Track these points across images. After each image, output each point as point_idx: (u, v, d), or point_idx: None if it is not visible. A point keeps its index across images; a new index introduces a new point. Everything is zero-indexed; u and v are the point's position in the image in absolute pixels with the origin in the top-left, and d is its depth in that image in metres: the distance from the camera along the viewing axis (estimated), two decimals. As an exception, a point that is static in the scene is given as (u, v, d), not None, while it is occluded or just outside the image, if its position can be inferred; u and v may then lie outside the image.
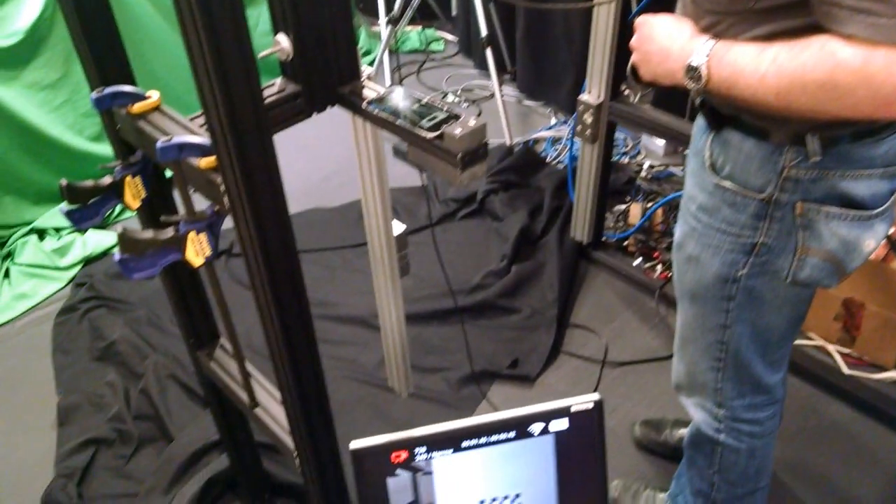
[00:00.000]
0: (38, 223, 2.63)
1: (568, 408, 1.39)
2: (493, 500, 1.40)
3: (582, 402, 1.40)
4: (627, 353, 2.10)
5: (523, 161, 2.76)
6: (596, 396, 1.40)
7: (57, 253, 2.53)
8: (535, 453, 1.40)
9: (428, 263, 2.42)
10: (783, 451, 1.45)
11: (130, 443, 1.89)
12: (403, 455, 1.36)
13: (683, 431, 1.77)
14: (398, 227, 1.36)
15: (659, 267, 2.30)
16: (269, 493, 1.73)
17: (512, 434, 1.38)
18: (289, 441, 1.20)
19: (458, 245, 2.48)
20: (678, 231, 1.25)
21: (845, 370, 1.97)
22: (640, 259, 2.34)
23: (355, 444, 1.34)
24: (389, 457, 1.35)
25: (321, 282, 2.38)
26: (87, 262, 2.53)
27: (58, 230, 2.62)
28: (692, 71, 0.99)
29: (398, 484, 1.36)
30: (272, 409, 1.27)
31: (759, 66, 0.91)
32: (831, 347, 2.03)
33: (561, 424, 1.40)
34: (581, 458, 1.42)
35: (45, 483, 1.81)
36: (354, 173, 1.28)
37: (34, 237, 2.59)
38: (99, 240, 2.59)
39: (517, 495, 1.42)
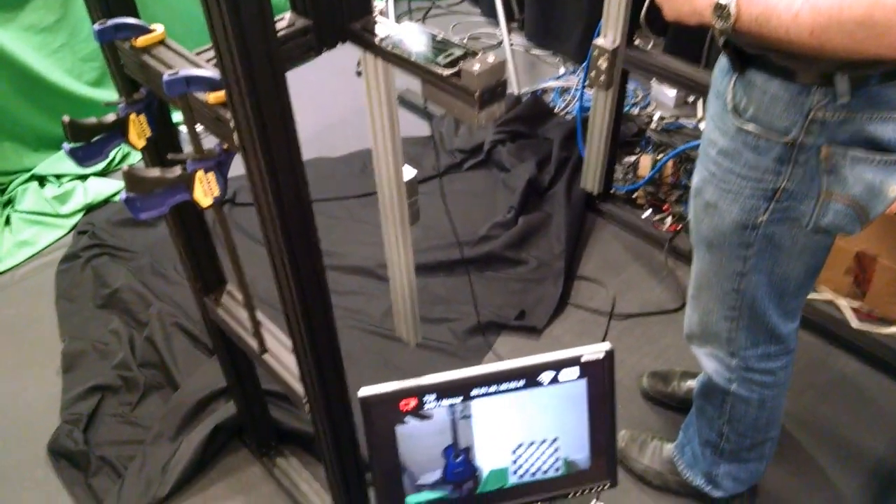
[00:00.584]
0: (39, 170, 2.59)
1: (578, 357, 1.38)
2: (520, 445, 1.39)
3: (593, 351, 1.39)
4: (635, 305, 2.09)
5: (531, 111, 2.71)
6: (607, 346, 1.38)
7: (58, 200, 2.50)
8: (541, 403, 1.39)
9: (434, 214, 2.39)
10: (791, 405, 1.44)
11: (136, 390, 1.89)
12: (412, 402, 1.35)
13: (691, 383, 1.76)
14: (409, 173, 1.33)
15: (668, 219, 2.27)
16: (276, 440, 1.73)
17: (521, 383, 1.37)
18: (299, 388, 1.19)
19: (465, 196, 2.45)
20: (696, 177, 1.22)
21: (855, 324, 1.96)
22: (649, 211, 2.31)
23: (364, 392, 1.33)
24: (398, 404, 1.34)
25: (326, 232, 2.35)
26: (89, 209, 2.50)
27: (58, 177, 2.58)
28: (721, 9, 0.95)
29: (407, 431, 1.35)
30: (282, 357, 1.25)
31: (792, 3, 0.87)
32: (841, 301, 2.02)
33: (571, 374, 1.39)
34: (590, 408, 1.42)
35: (51, 429, 1.81)
36: (358, 122, 1.24)
37: (34, 184, 2.55)
38: (100, 187, 2.56)
39: (532, 442, 1.41)
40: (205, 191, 0.95)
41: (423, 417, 1.36)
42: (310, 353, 1.08)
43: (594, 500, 1.64)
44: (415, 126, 2.77)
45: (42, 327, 2.12)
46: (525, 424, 1.40)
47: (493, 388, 1.36)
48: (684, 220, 2.25)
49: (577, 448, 1.43)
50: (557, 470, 1.43)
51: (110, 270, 2.23)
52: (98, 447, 1.77)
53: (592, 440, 1.44)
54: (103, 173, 2.67)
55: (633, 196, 2.35)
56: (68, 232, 2.44)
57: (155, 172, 0.93)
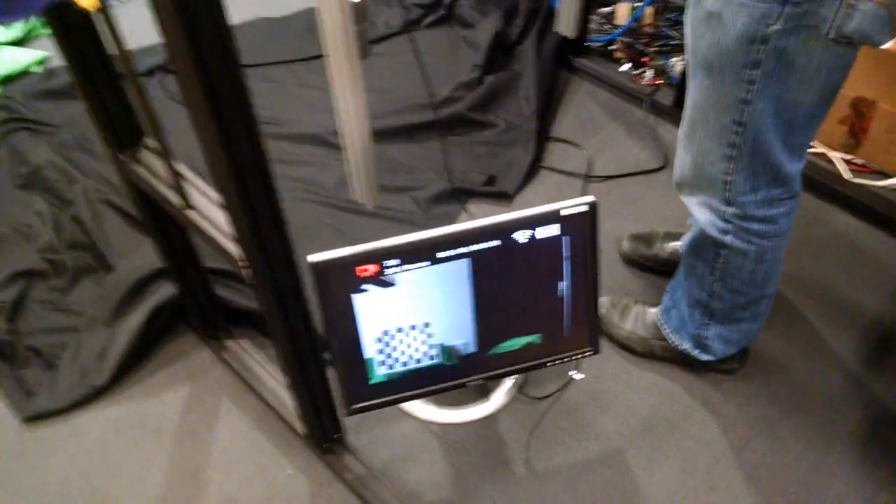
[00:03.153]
0: (-58, 40, 2.29)
1: (557, 212, 1.22)
2: (477, 308, 1.25)
3: (573, 204, 1.23)
4: (613, 166, 1.92)
5: (495, -39, 2.45)
6: (590, 198, 1.23)
7: (-33, 72, 2.22)
8: (520, 264, 1.24)
9: (390, 76, 2.18)
10: (784, 264, 1.30)
11: (65, 274, 1.69)
12: (372, 268, 1.19)
13: (676, 244, 1.63)
14: (354, -5, 1.11)
15: (648, 73, 2.08)
16: (224, 321, 1.57)
17: (496, 242, 1.21)
18: (234, 249, 1.01)
19: (425, 55, 2.22)
20: (697, -17, 1.02)
21: (849, 177, 1.82)
22: (627, 65, 2.11)
23: (314, 258, 1.16)
24: (355, 271, 1.18)
25: (271, 98, 2.12)
26: (4, 81, 2.23)
27: (-34, 47, 2.29)
28: None
29: (367, 301, 1.20)
30: (212, 214, 1.07)
31: None
32: (834, 154, 1.87)
33: (550, 231, 1.23)
34: (572, 268, 1.27)
35: (-27, 320, 1.63)
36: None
37: (-62, 55, 2.26)
38: (16, 56, 2.27)
39: (498, 307, 1.27)
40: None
41: (385, 284, 1.20)
42: (242, 204, 0.89)
43: (573, 371, 1.53)
44: (367, -18, 2.50)
45: (-43, 212, 1.90)
46: (491, 289, 1.25)
47: (462, 250, 1.20)
48: (665, 74, 2.05)
49: (552, 314, 1.30)
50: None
51: (29, 146, 1.99)
52: (28, 336, 1.59)
53: (573, 305, 1.30)
54: (20, 42, 2.38)
55: (610, 49, 2.14)
56: (-19, 108, 2.17)
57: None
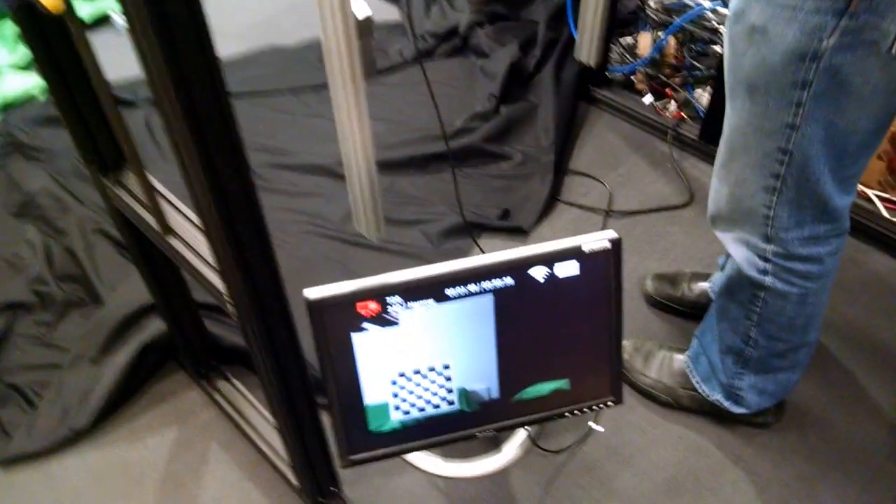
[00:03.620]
0: (-55, 65, 2.24)
1: (578, 247, 1.11)
2: (500, 349, 1.14)
3: (596, 240, 1.12)
4: (635, 201, 1.81)
5: (512, -10, 2.38)
6: (612, 234, 1.12)
7: (-32, 98, 2.16)
8: (538, 304, 1.13)
9: (402, 106, 2.10)
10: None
11: (54, 307, 1.60)
12: (373, 306, 1.08)
13: (704, 285, 1.51)
14: (362, 8, 1.02)
15: (672, 105, 1.98)
16: (216, 360, 1.46)
17: (509, 280, 1.10)
18: (217, 281, 0.91)
19: (439, 85, 2.14)
20: (736, -2, 0.92)
21: (887, 216, 1.70)
22: (649, 97, 2.02)
23: (311, 293, 1.06)
24: (355, 308, 1.07)
25: (279, 127, 2.04)
26: (5, 108, 2.17)
27: (-32, 72, 2.24)
28: None
29: (366, 340, 1.09)
30: (196, 244, 0.97)
31: None
32: (871, 192, 1.76)
33: (569, 269, 1.12)
34: (593, 309, 1.16)
35: (-47, 354, 1.53)
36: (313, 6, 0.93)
37: (-59, 81, 2.20)
38: (19, 82, 2.21)
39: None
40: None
41: (388, 323, 1.09)
42: (224, 229, 0.79)
43: (592, 422, 1.41)
44: (382, 9, 2.44)
45: (-53, 240, 1.82)
46: (513, 329, 1.14)
47: (473, 288, 1.09)
48: (690, 106, 1.96)
49: (575, 359, 1.18)
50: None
51: (26, 174, 1.91)
52: (8, 373, 1.49)
53: (594, 349, 1.18)
54: (25, 67, 2.32)
55: (632, 80, 2.05)
56: (-19, 133, 2.11)
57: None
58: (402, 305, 1.08)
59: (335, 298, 1.06)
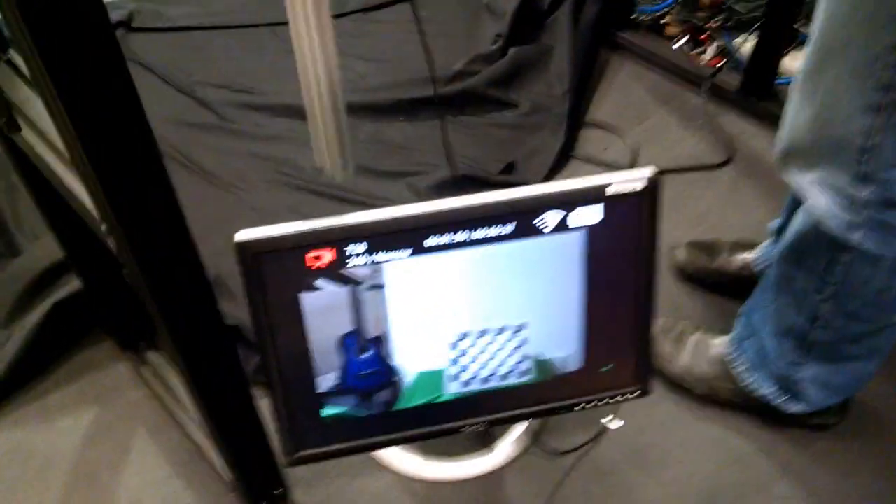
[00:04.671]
0: None
1: (602, 188, 0.84)
2: (483, 333, 0.88)
3: (627, 179, 0.85)
4: (663, 159, 1.53)
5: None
6: (649, 171, 0.85)
7: None
8: (546, 260, 0.86)
9: (392, 47, 1.82)
10: None
11: (-37, 260, 1.33)
12: (327, 255, 0.81)
13: (748, 256, 1.23)
14: None
15: (708, 52, 1.70)
16: (148, 326, 1.19)
17: (509, 228, 0.83)
18: (88, 203, 0.64)
19: (437, 24, 1.85)
20: None
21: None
22: (682, 41, 1.73)
23: (243, 235, 0.79)
24: (303, 258, 0.81)
25: (247, 63, 1.77)
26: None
27: None
28: None
29: (319, 303, 0.82)
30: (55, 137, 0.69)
31: None
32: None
33: (589, 216, 0.85)
34: (618, 272, 0.89)
35: None
36: None
37: None
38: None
39: (519, 327, 0.89)
40: None
41: (347, 281, 0.82)
42: (88, 112, 0.52)
43: (608, 418, 1.14)
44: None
45: None
46: (502, 299, 0.87)
47: (458, 237, 0.83)
48: (730, 53, 1.68)
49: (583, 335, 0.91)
50: (549, 369, 0.91)
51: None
52: None
53: (615, 324, 0.91)
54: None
55: (662, 22, 1.77)
56: None
57: None
58: (366, 256, 0.81)
59: (275, 242, 0.79)
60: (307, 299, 0.81)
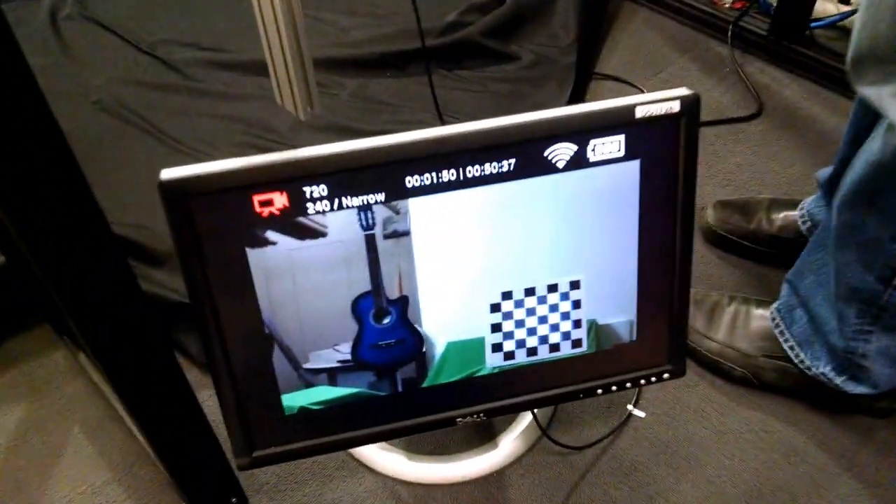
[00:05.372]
0: None
1: (629, 110, 0.67)
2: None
3: (657, 100, 0.67)
4: (684, 113, 1.35)
5: None
6: (683, 90, 0.68)
7: None
8: (554, 205, 0.68)
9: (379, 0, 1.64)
10: None
11: None
12: (280, 200, 0.64)
13: (792, 214, 1.06)
14: None
15: (732, -7, 1.52)
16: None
17: (507, 163, 0.66)
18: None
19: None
20: None
21: None
22: (702, -17, 1.55)
23: (170, 173, 0.62)
24: (250, 204, 0.63)
25: (217, 22, 1.59)
26: None
27: None
28: None
29: (270, 260, 0.65)
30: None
31: None
32: None
33: (610, 149, 0.68)
34: (645, 222, 0.72)
35: None
36: None
37: None
38: None
39: (531, 290, 0.71)
40: None
41: (308, 233, 0.65)
42: None
43: (631, 404, 0.96)
44: None
45: None
46: (520, 252, 0.69)
47: (452, 175, 0.65)
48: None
49: (613, 303, 0.74)
50: (581, 344, 0.74)
51: None
52: None
53: (644, 285, 0.74)
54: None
55: (678, -37, 1.59)
56: None
57: None
58: (324, 202, 0.63)
59: (212, 182, 0.61)
60: (256, 257, 0.64)
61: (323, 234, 0.65)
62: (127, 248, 1.11)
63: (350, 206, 0.64)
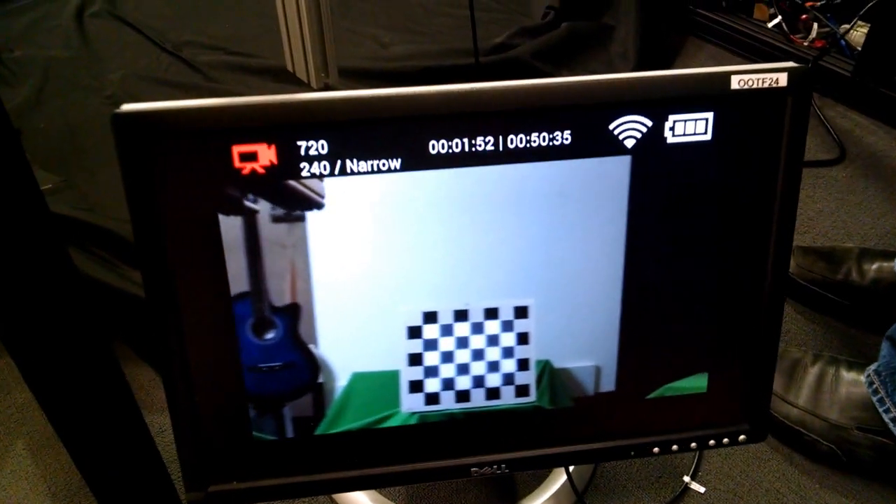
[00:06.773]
0: None
1: (726, 78, 0.52)
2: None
3: (759, 71, 0.53)
4: (755, 152, 1.20)
5: None
6: (790, 63, 0.53)
7: None
8: (611, 194, 0.53)
9: (422, 16, 1.55)
10: None
11: None
12: (267, 154, 0.49)
13: (885, 265, 0.89)
14: None
15: (814, 29, 1.37)
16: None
17: (559, 139, 0.51)
18: None
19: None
20: None
21: None
22: (776, 20, 1.41)
23: (129, 107, 0.48)
24: (228, 155, 0.49)
25: (246, 25, 1.50)
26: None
27: None
28: None
29: (248, 232, 0.50)
30: None
31: None
32: None
33: (692, 129, 0.53)
34: (732, 225, 0.56)
35: None
36: None
37: None
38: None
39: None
40: None
41: (297, 201, 0.50)
42: None
43: (688, 476, 0.78)
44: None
45: None
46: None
47: (481, 143, 0.51)
48: (835, 37, 1.35)
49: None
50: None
51: None
52: None
53: (723, 317, 0.57)
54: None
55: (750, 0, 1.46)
56: None
57: None
58: (323, 163, 0.49)
59: (180, 121, 0.47)
60: (229, 226, 0.49)
61: (318, 206, 0.50)
62: (125, 247, 0.98)
63: (356, 170, 0.49)
